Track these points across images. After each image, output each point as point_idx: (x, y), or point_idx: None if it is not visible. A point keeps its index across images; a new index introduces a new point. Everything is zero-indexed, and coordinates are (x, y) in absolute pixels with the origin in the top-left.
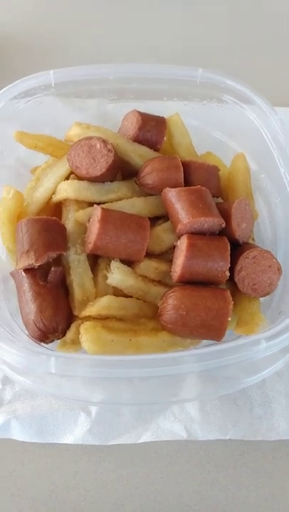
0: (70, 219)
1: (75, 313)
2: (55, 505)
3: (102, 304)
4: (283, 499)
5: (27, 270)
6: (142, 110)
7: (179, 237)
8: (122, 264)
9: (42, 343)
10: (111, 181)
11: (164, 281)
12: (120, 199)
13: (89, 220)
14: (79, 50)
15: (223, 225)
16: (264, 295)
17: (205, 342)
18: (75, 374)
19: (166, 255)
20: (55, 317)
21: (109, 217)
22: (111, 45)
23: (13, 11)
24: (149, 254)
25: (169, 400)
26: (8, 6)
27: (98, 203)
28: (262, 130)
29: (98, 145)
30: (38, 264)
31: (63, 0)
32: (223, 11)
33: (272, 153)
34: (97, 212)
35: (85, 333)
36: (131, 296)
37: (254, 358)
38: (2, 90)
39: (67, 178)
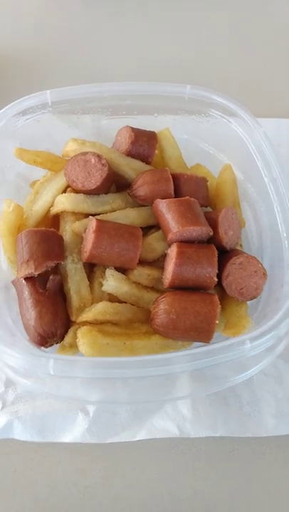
0: (68, 230)
1: (73, 318)
2: (56, 501)
3: (98, 310)
4: (272, 491)
5: (27, 279)
6: (134, 125)
7: (169, 246)
8: (117, 272)
9: (42, 348)
10: (105, 194)
11: (156, 287)
12: (114, 210)
13: (85, 231)
14: (75, 70)
15: (211, 233)
16: (251, 299)
17: (195, 344)
18: (73, 375)
19: (158, 263)
20: (54, 323)
21: (103, 227)
22: (106, 63)
23: (11, 33)
24: (142, 262)
25: (162, 398)
26: (5, 29)
27: (94, 215)
28: (247, 142)
29: (93, 160)
30: (37, 273)
31: (59, 23)
32: (208, 31)
33: (257, 164)
34: (92, 223)
35: (82, 337)
36: (125, 302)
37: (241, 358)
38: (2, 110)
39: (64, 191)
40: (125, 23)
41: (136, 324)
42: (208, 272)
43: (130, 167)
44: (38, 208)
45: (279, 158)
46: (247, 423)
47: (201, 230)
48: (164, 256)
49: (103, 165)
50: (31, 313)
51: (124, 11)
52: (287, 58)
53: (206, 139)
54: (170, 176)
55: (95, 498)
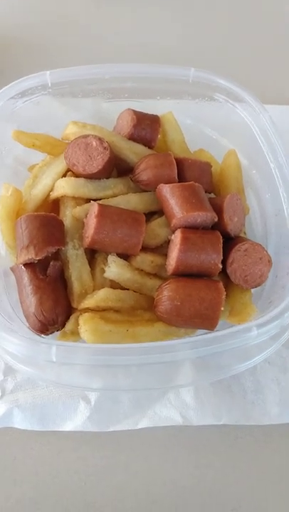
0: (68, 215)
1: (74, 305)
2: (57, 489)
3: (100, 296)
4: (275, 480)
5: (27, 265)
6: (137, 109)
7: (173, 232)
8: (119, 258)
9: (42, 335)
10: (107, 178)
11: (159, 274)
12: (116, 195)
13: (86, 216)
14: (76, 50)
15: (216, 219)
16: (255, 286)
17: (199, 332)
18: (75, 362)
19: (162, 249)
20: (55, 309)
21: (106, 212)
22: (108, 45)
23: (12, 13)
24: (145, 248)
25: (165, 385)
26: (6, 8)
27: (95, 200)
28: (252, 127)
29: (94, 143)
30: (37, 259)
31: (60, 2)
32: (214, 13)
33: (262, 150)
34: (94, 208)
35: (84, 324)
36: (127, 289)
37: (246, 345)
38: (0, 91)
39: (64, 176)
40: (128, 4)
41: (138, 311)
42: (212, 258)
43: (132, 151)
44: (38, 192)
45: (285, 145)
46: (251, 411)
47: (206, 216)
48: (167, 242)
49: (105, 148)
50: (31, 300)
51: None
52: None
53: (210, 123)
54: (174, 161)
55: (97, 486)
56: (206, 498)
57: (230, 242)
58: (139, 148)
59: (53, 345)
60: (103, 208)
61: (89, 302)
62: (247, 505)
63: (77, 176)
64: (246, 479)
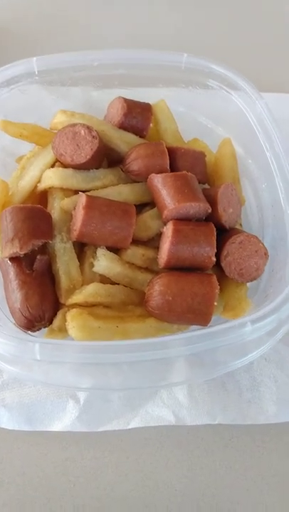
0: (56, 207)
1: (62, 301)
2: (45, 491)
3: (89, 292)
4: (272, 481)
5: (12, 259)
6: (128, 97)
7: (165, 224)
8: (108, 252)
9: (29, 332)
10: (96, 168)
11: (150, 268)
12: (106, 186)
13: (74, 208)
14: (65, 38)
15: (209, 211)
16: (251, 280)
17: (192, 328)
18: (62, 360)
19: (153, 242)
20: (42, 305)
21: (94, 204)
22: (98, 32)
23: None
24: (136, 241)
25: (157, 384)
26: None
27: (84, 191)
28: (248, 115)
29: (82, 132)
30: (22, 253)
31: None
32: (211, 1)
33: (259, 138)
34: (82, 199)
35: (72, 320)
36: (118, 283)
37: (241, 341)
38: None
39: (52, 167)
40: None
41: (129, 307)
42: (206, 251)
43: (123, 140)
44: (25, 183)
45: (282, 134)
46: (246, 410)
47: (199, 207)
48: (159, 235)
49: (93, 137)
50: (17, 296)
51: None
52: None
53: (204, 111)
54: (166, 150)
55: (86, 488)
56: (200, 501)
57: (224, 234)
58: (130, 138)
59: (36, 342)
60: (91, 200)
61: (77, 297)
62: (243, 508)
63: (65, 166)
64: (242, 481)
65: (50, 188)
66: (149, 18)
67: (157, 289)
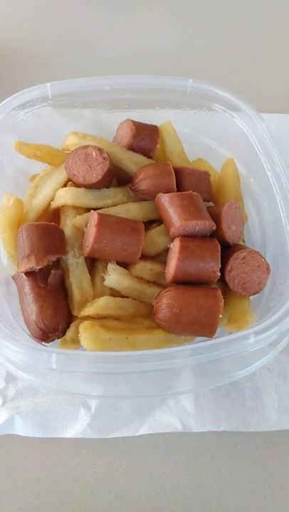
0: (68, 224)
1: (74, 313)
2: (58, 496)
3: (100, 304)
4: (274, 486)
5: (28, 273)
6: (136, 119)
7: (172, 240)
8: (119, 266)
9: (43, 343)
10: (107, 188)
11: (158, 282)
12: (116, 204)
13: (86, 225)
14: (77, 63)
15: (214, 228)
16: (254, 293)
17: (198, 339)
18: (76, 369)
19: (161, 257)
20: (56, 317)
21: (105, 221)
22: (107, 56)
23: (12, 25)
24: (144, 257)
25: (165, 392)
26: (6, 20)
27: (95, 209)
28: (250, 136)
29: (94, 153)
30: (38, 268)
31: (61, 15)
32: (212, 23)
33: (260, 159)
34: (94, 217)
35: (84, 331)
36: (127, 297)
37: (244, 352)
38: (2, 103)
39: (64, 186)
40: (127, 16)
41: (138, 319)
42: (211, 266)
43: (132, 161)
44: (39, 202)
45: (282, 154)
46: (250, 418)
47: (204, 224)
48: (166, 250)
49: (104, 158)
50: (32, 308)
51: (126, 3)
52: (287, 52)
53: (208, 133)
54: (172, 170)
55: (97, 493)
56: (206, 504)
57: (228, 249)
58: (139, 158)
59: (53, 353)
60: (103, 218)
61: (89, 310)
62: None
63: (77, 185)
64: (246, 486)
65: (62, 206)
66: (151, 39)
67: (165, 302)
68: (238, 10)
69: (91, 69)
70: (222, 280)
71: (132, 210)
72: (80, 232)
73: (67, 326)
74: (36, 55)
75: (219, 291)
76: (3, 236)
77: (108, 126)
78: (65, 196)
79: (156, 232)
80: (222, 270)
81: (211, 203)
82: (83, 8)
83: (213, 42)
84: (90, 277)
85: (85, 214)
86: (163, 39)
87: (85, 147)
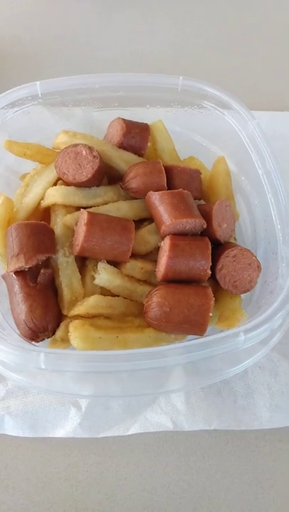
0: (58, 223)
1: (64, 312)
2: (49, 496)
3: (90, 303)
4: (266, 485)
5: (17, 273)
6: (127, 117)
7: (162, 238)
8: (109, 265)
9: (33, 342)
10: (97, 186)
11: (149, 281)
12: (106, 203)
13: (76, 224)
14: (68, 62)
15: (205, 226)
16: (244, 291)
17: (189, 337)
18: (65, 369)
19: (151, 256)
20: (45, 316)
21: (95, 220)
22: (99, 55)
23: (7, 25)
24: (135, 255)
25: (155, 391)
26: (1, 20)
27: (85, 207)
28: (240, 134)
29: (84, 152)
30: (27, 267)
31: (53, 14)
32: (205, 22)
33: (251, 156)
34: (83, 215)
35: (74, 330)
36: (118, 295)
37: (235, 350)
38: None
39: (55, 184)
40: (120, 15)
41: (129, 318)
42: (201, 264)
43: (122, 159)
44: (29, 201)
45: (273, 152)
46: (241, 416)
47: (195, 223)
48: (157, 249)
49: (94, 157)
50: (22, 308)
51: (123, 2)
52: (281, 52)
53: (199, 131)
54: (163, 168)
55: (88, 493)
56: (197, 503)
57: (219, 248)
58: (129, 157)
59: (42, 352)
60: (92, 216)
61: (79, 309)
62: (238, 511)
63: (67, 184)
64: (237, 484)
65: (53, 204)
66: (147, 38)
67: (155, 301)
68: (236, 10)
69: (87, 70)
70: (213, 278)
71: (123, 209)
72: (70, 231)
73: (57, 326)
74: (30, 55)
75: (210, 290)
76: None
77: (99, 124)
78: (55, 195)
79: (146, 231)
80: (213, 268)
81: (202, 201)
82: (79, 7)
83: (210, 42)
84: (80, 276)
85: (75, 213)
86: (155, 38)
87: (75, 145)
